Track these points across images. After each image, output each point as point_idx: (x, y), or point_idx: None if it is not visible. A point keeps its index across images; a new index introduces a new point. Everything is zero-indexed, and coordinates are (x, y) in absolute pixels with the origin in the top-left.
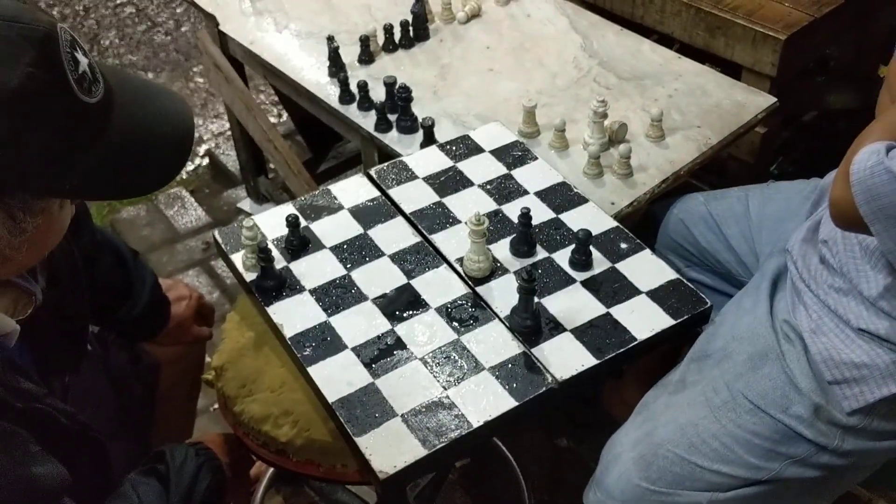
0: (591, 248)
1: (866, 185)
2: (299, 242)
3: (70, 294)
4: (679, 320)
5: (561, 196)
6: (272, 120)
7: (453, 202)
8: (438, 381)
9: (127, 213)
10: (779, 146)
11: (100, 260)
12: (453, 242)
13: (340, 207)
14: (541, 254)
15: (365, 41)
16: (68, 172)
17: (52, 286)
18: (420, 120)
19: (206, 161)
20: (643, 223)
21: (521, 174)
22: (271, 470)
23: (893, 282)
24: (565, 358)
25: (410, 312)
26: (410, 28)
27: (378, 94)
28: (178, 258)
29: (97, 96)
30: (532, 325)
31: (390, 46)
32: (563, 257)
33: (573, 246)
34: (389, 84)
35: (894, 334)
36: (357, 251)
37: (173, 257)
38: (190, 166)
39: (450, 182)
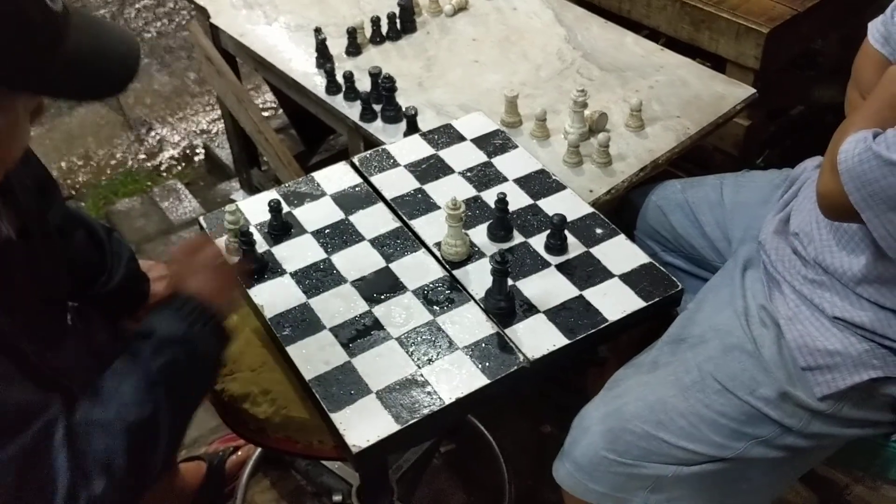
0: (567, 232)
1: (855, 173)
2: (281, 227)
3: (43, 252)
4: (650, 302)
5: (539, 183)
6: (265, 114)
7: (433, 189)
8: (413, 359)
9: (122, 205)
10: (766, 139)
11: (73, 233)
12: (432, 227)
13: (323, 194)
14: (517, 238)
15: (352, 33)
16: (33, 69)
17: (22, 237)
18: (404, 109)
19: (201, 154)
20: (622, 210)
21: (501, 162)
22: (257, 452)
23: (873, 268)
24: (537, 338)
25: (388, 295)
26: (398, 20)
27: (365, 85)
28: (172, 249)
29: (59, 6)
30: (505, 306)
31: (378, 38)
32: (539, 242)
33: (549, 231)
34: (374, 74)
35: (873, 321)
36: (338, 236)
37: (168, 248)
38: (185, 160)
39: (431, 169)
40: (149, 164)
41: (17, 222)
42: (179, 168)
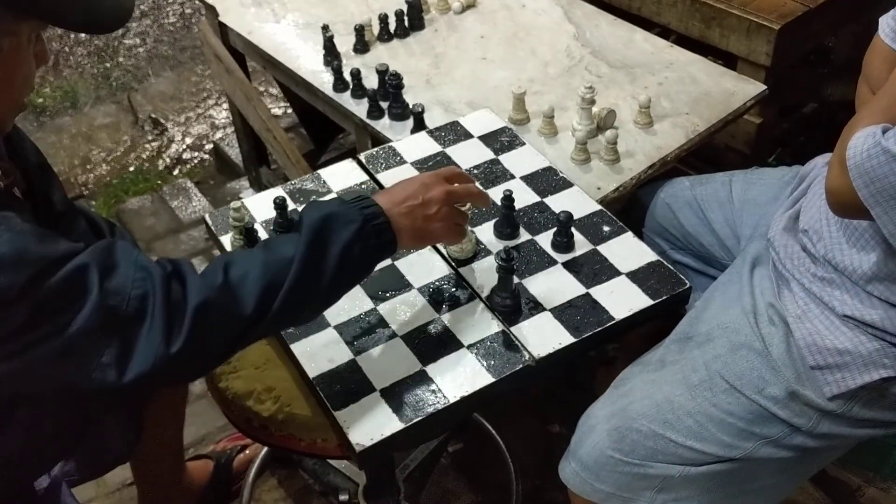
0: (574, 230)
1: (864, 169)
2: (287, 224)
3: (47, 223)
4: (657, 301)
5: (546, 180)
6: (277, 112)
7: None
8: (418, 357)
9: (132, 204)
10: (778, 137)
11: (74, 221)
12: None
13: (329, 191)
14: (524, 236)
15: (360, 31)
16: None
17: (27, 197)
18: (411, 107)
19: (211, 153)
20: (631, 208)
21: (508, 159)
22: (264, 451)
23: (884, 265)
24: (543, 336)
25: (393, 292)
26: (406, 18)
27: (373, 82)
28: (182, 247)
29: None
30: (511, 304)
31: (385, 36)
32: (545, 239)
33: (556, 228)
34: (381, 72)
35: (883, 319)
36: None
37: (177, 246)
38: (195, 159)
39: (437, 167)
40: (159, 163)
41: (23, 184)
42: (189, 167)
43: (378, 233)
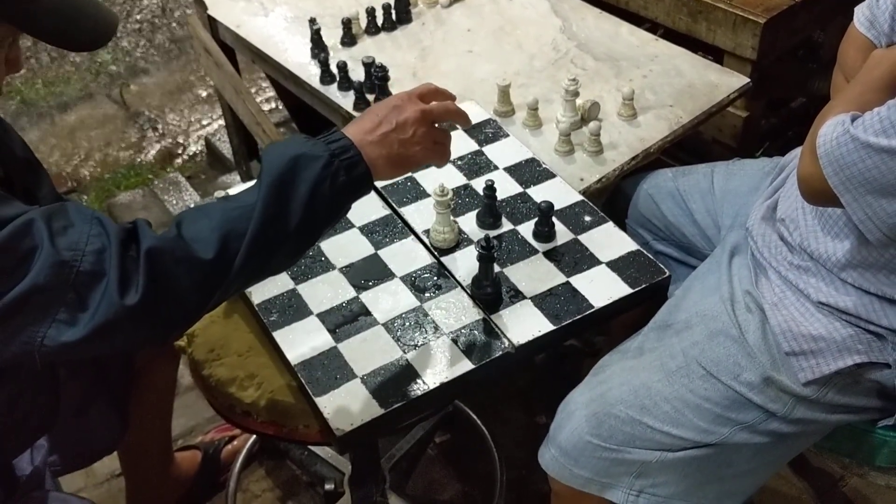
0: (555, 220)
1: (834, 156)
2: None
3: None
4: (636, 289)
5: (529, 171)
6: (268, 107)
7: (424, 176)
8: (399, 345)
9: (123, 198)
10: (766, 132)
11: None
12: (422, 215)
13: None
14: (506, 226)
15: (347, 24)
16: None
17: (5, 187)
18: None
19: (203, 147)
20: (614, 199)
21: (492, 150)
22: (251, 441)
23: (857, 253)
24: (523, 324)
25: (376, 281)
26: (393, 11)
27: (359, 74)
28: None
29: None
30: (492, 292)
31: (373, 29)
32: (527, 229)
33: (537, 218)
34: (367, 64)
35: (857, 306)
36: None
37: None
38: (187, 153)
39: None
40: (151, 158)
41: (0, 172)
42: (181, 161)
43: (348, 168)
